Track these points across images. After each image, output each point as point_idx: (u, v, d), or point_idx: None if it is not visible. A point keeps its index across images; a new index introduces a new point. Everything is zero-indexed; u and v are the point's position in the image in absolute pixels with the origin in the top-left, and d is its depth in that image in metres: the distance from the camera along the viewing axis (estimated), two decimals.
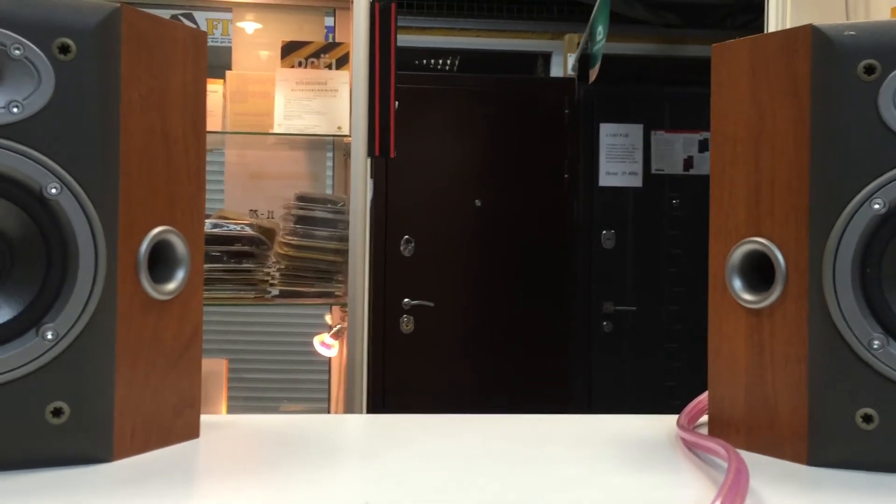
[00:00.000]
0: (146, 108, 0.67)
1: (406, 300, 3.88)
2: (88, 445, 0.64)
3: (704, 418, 0.81)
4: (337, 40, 2.27)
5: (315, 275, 2.07)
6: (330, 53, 2.16)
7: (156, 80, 0.68)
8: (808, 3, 2.23)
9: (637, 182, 4.09)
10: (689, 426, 0.76)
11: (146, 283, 0.67)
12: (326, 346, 2.15)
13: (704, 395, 0.81)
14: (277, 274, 2.08)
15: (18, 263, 0.63)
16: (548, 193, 4.03)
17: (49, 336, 0.62)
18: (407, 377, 3.85)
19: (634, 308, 4.07)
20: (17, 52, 0.61)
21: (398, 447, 0.72)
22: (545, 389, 3.96)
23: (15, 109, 0.61)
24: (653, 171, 4.09)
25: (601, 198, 4.06)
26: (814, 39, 0.67)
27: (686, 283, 4.04)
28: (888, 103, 0.64)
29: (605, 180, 4.08)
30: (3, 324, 0.62)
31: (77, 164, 0.63)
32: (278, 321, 2.48)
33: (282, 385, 2.53)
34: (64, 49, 0.62)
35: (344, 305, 2.09)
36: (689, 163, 4.12)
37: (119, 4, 0.65)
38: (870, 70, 0.64)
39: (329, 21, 2.37)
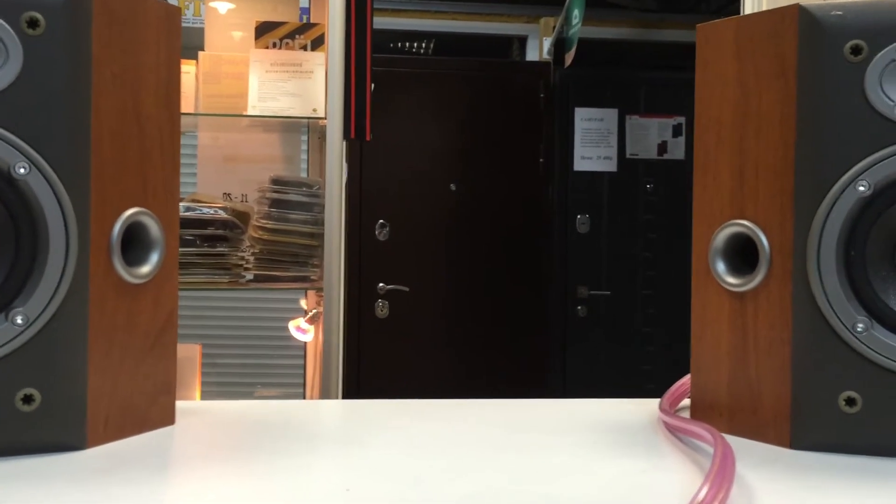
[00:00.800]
0: (118, 85, 0.65)
1: (381, 285, 3.87)
2: (60, 433, 0.62)
3: (686, 402, 0.81)
4: (312, 21, 2.24)
5: (290, 259, 2.05)
6: (305, 34, 2.13)
7: (128, 58, 0.66)
8: None
9: (612, 167, 4.09)
10: (671, 410, 0.75)
11: (119, 266, 0.65)
12: (302, 330, 2.13)
13: (686, 379, 0.81)
14: (252, 258, 2.05)
15: None
16: (523, 178, 4.02)
17: (19, 320, 0.60)
18: (382, 362, 3.84)
19: (609, 292, 4.08)
20: None
21: (378, 433, 0.71)
22: (520, 374, 3.97)
23: None
24: (627, 156, 4.09)
25: (576, 182, 4.05)
26: (800, 19, 0.66)
27: (660, 268, 4.06)
28: (874, 84, 0.63)
29: (579, 165, 4.08)
30: None
31: (46, 143, 0.61)
32: (252, 306, 2.46)
33: (256, 370, 2.51)
34: (32, 23, 0.60)
35: (319, 290, 2.07)
36: (663, 147, 4.13)
37: None
38: (856, 51, 0.63)
39: (304, 2, 2.34)
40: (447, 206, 3.93)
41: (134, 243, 0.68)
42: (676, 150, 4.12)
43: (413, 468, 0.60)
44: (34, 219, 0.61)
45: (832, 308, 0.64)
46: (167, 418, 0.71)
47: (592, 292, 4.07)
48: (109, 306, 0.65)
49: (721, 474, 0.51)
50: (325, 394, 2.00)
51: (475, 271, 3.95)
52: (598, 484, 0.58)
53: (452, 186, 3.95)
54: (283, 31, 2.13)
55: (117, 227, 0.65)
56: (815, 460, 0.64)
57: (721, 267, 0.71)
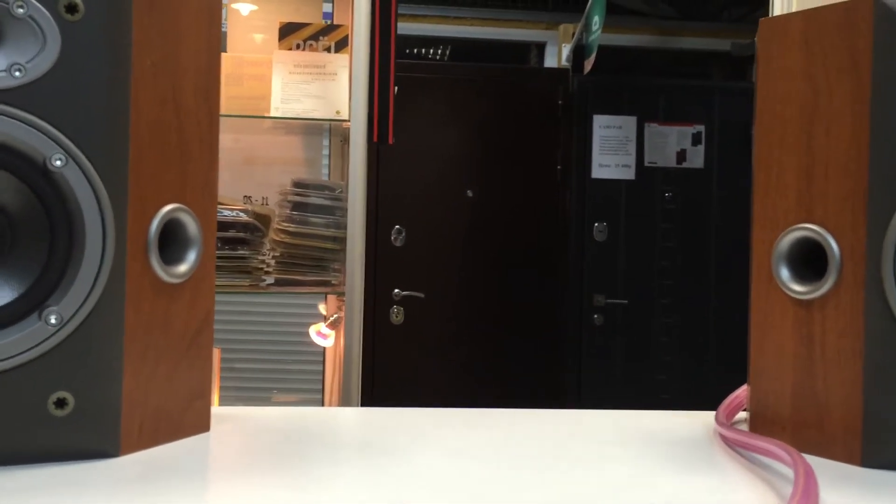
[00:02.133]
0: (158, 75, 0.62)
1: (396, 291, 3.84)
2: (94, 439, 0.59)
3: (741, 414, 0.77)
4: (335, 23, 2.22)
5: (311, 263, 2.02)
6: (329, 36, 2.10)
7: (168, 46, 0.63)
8: None
9: (630, 175, 4.05)
10: (727, 423, 0.71)
11: (156, 264, 0.62)
12: (323, 335, 2.10)
13: (741, 390, 0.77)
14: (273, 261, 2.02)
15: (20, 241, 0.58)
16: (540, 185, 3.99)
17: (53, 320, 0.57)
18: (396, 368, 3.81)
19: (626, 301, 4.04)
20: (21, 10, 0.56)
21: (422, 443, 0.67)
22: (535, 382, 3.93)
23: (17, 73, 0.56)
24: (646, 164, 4.05)
25: (594, 190, 4.02)
26: (875, 12, 0.62)
27: (677, 277, 4.02)
28: None
29: (597, 172, 4.04)
30: (4, 306, 0.56)
31: (84, 134, 0.58)
32: (271, 310, 2.43)
33: (273, 375, 2.48)
34: (71, 8, 0.57)
35: (340, 294, 2.04)
36: (682, 156, 4.08)
37: None
38: None
39: (327, 5, 2.31)
40: (464, 213, 3.90)
41: (171, 241, 0.65)
42: (696, 159, 4.08)
43: (467, 481, 0.57)
44: (70, 213, 0.58)
45: None
46: (202, 424, 0.68)
47: (609, 301, 4.03)
48: (146, 306, 0.62)
49: (806, 496, 0.48)
50: (345, 399, 1.97)
51: (491, 278, 3.92)
52: (667, 501, 0.54)
53: (469, 193, 3.92)
54: (306, 32, 2.11)
55: (155, 224, 0.62)
56: (888, 479, 0.60)
57: (785, 273, 0.68)
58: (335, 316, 2.10)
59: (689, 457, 0.65)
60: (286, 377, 2.45)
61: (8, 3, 0.56)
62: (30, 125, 0.56)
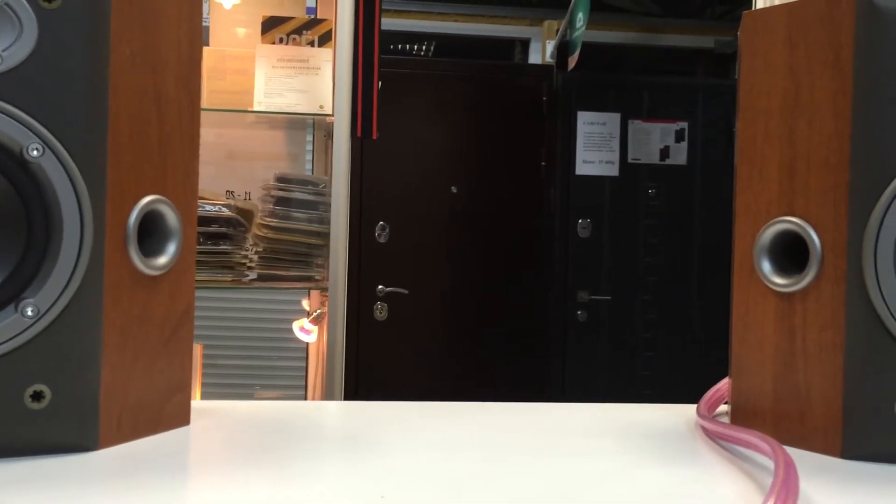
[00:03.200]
0: (137, 65, 0.62)
1: (380, 287, 3.83)
2: (72, 432, 0.58)
3: (723, 407, 0.77)
4: (319, 17, 2.21)
5: (294, 258, 2.01)
6: (312, 30, 2.09)
7: (148, 35, 0.63)
8: None
9: (614, 171, 4.06)
10: (709, 416, 0.72)
11: (135, 256, 0.62)
12: (306, 331, 2.09)
13: (723, 383, 0.77)
14: (255, 256, 2.01)
15: None
16: (524, 181, 3.99)
17: (29, 312, 0.56)
18: (380, 364, 3.81)
19: (609, 297, 4.05)
20: None
21: (404, 436, 0.67)
22: (519, 377, 3.94)
23: None
24: (629, 161, 4.06)
25: (578, 186, 4.03)
26: (858, 6, 0.63)
27: (661, 273, 4.04)
28: None
29: (581, 169, 4.05)
30: None
31: (61, 124, 0.57)
32: (253, 306, 2.42)
33: (255, 371, 2.47)
34: None
35: (324, 290, 2.03)
36: (665, 152, 4.10)
37: None
38: None
39: (310, 2, 2.30)
40: (448, 209, 3.90)
41: (150, 233, 0.64)
42: (679, 156, 4.09)
43: (447, 473, 0.57)
44: (47, 204, 0.57)
45: (889, 310, 0.61)
46: (182, 418, 0.68)
47: (593, 297, 4.04)
48: (124, 298, 0.61)
49: (786, 487, 0.48)
50: (328, 395, 1.96)
51: (475, 274, 3.92)
52: (647, 492, 0.54)
53: (453, 189, 3.92)
54: (290, 26, 2.09)
55: (134, 215, 0.62)
56: (868, 471, 0.61)
57: (767, 266, 0.68)
58: (318, 312, 2.09)
59: (670, 449, 0.66)
60: (268, 373, 2.44)
61: None
62: (6, 114, 0.55)
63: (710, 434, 0.68)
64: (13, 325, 0.56)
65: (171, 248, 0.65)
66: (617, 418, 0.76)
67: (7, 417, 0.56)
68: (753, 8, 2.38)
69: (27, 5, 0.56)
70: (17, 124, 0.56)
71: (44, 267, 0.57)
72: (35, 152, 0.56)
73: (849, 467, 0.62)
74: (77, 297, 0.58)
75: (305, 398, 2.35)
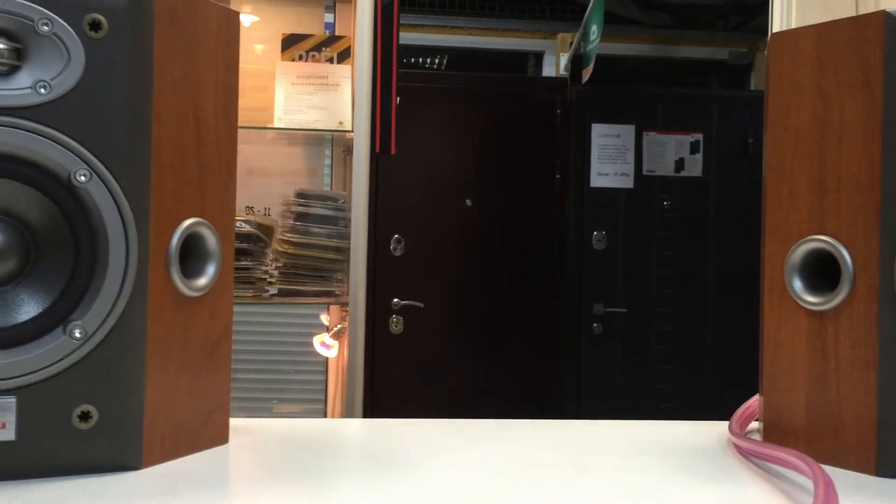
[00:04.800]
0: (178, 91, 0.63)
1: (395, 300, 3.84)
2: (117, 452, 0.59)
3: (753, 424, 0.78)
4: (337, 34, 2.23)
5: (314, 273, 2.02)
6: (331, 47, 2.11)
7: (188, 62, 0.64)
8: (814, 1, 2.21)
9: (628, 183, 4.06)
10: (741, 433, 0.72)
11: (177, 278, 0.63)
12: (326, 346, 2.10)
13: (753, 401, 0.77)
14: (276, 272, 2.03)
15: (44, 256, 0.58)
16: (539, 194, 4.00)
17: (77, 334, 0.57)
18: (395, 378, 3.81)
19: (625, 310, 4.05)
20: (46, 27, 0.57)
21: (438, 454, 0.68)
22: (535, 390, 3.93)
23: (42, 90, 0.56)
24: (644, 173, 4.06)
25: (592, 199, 4.03)
26: (886, 26, 0.63)
27: (676, 285, 4.03)
28: None
29: (596, 181, 4.05)
30: (29, 321, 0.57)
31: (107, 150, 0.58)
32: (272, 321, 2.43)
33: (275, 385, 2.48)
34: (95, 25, 0.58)
35: (343, 305, 2.04)
36: (680, 164, 4.10)
37: None
38: None
39: (328, 15, 2.32)
40: (463, 222, 3.91)
41: (190, 254, 0.65)
42: (694, 167, 4.09)
43: (485, 492, 0.57)
44: (93, 228, 0.58)
45: None
46: (221, 437, 0.69)
47: (608, 309, 4.03)
48: (167, 319, 0.62)
49: None
50: (348, 410, 1.97)
51: (490, 287, 3.92)
52: None
53: (468, 202, 3.92)
54: (309, 43, 2.11)
55: (176, 238, 0.63)
56: None
57: (798, 285, 0.68)
58: (339, 326, 2.10)
59: (705, 467, 0.66)
60: (288, 387, 2.45)
61: (33, 21, 0.57)
62: (55, 141, 0.57)
63: (743, 452, 0.69)
64: (62, 346, 0.57)
65: (211, 270, 0.66)
66: (648, 436, 0.77)
67: (56, 437, 0.57)
68: (770, 21, 2.39)
69: (74, 35, 0.57)
70: (65, 151, 0.57)
71: (90, 290, 0.58)
72: (82, 178, 0.57)
73: (884, 485, 0.62)
74: (122, 318, 0.59)
75: (325, 413, 2.36)
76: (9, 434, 0.56)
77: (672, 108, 4.05)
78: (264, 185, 2.28)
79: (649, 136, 4.04)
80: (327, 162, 2.32)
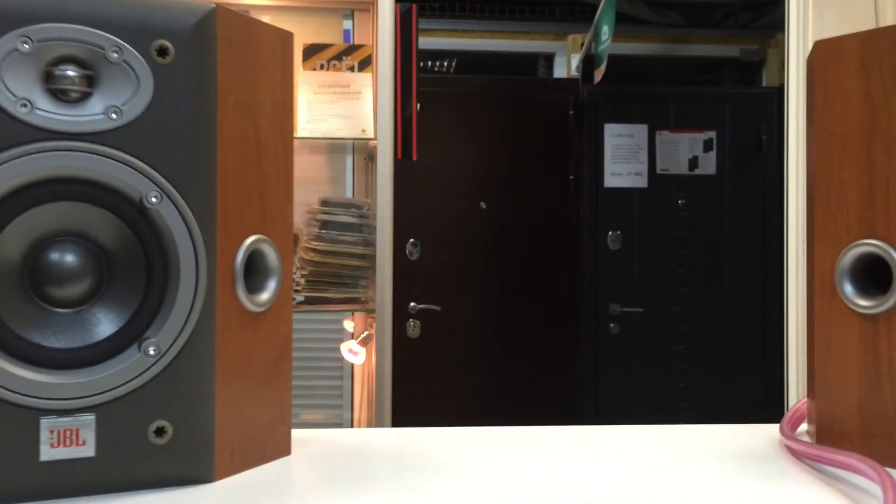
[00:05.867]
0: (240, 112, 0.65)
1: (412, 304, 3.85)
2: (191, 465, 0.61)
3: (802, 427, 0.79)
4: (356, 42, 2.24)
5: (340, 280, 2.04)
6: (352, 56, 2.13)
7: (248, 83, 0.66)
8: (831, 1, 2.22)
9: (642, 182, 4.07)
10: (792, 435, 0.73)
11: (242, 294, 0.64)
12: (354, 353, 2.11)
13: (801, 403, 0.78)
14: (302, 280, 2.04)
15: (117, 276, 0.60)
16: (553, 195, 4.00)
17: (151, 351, 0.59)
18: (414, 381, 3.82)
19: (641, 309, 4.05)
20: (116, 55, 0.58)
21: (497, 462, 0.69)
22: (553, 391, 3.94)
23: (114, 115, 0.58)
24: (658, 172, 4.07)
25: (606, 199, 4.03)
26: None
27: (692, 284, 4.03)
28: None
29: (610, 181, 4.06)
30: (105, 339, 0.59)
31: (176, 172, 0.60)
32: (300, 327, 2.45)
33: (300, 392, 2.50)
34: (162, 51, 0.59)
35: (370, 311, 2.06)
36: (694, 163, 4.10)
37: (214, 5, 0.62)
38: None
39: (347, 24, 2.34)
40: (478, 225, 3.92)
41: (252, 271, 0.67)
42: (707, 165, 4.09)
43: (561, 496, 0.59)
44: (165, 248, 0.60)
45: None
46: (284, 448, 0.70)
47: (625, 309, 4.04)
48: (234, 335, 0.64)
49: None
50: (378, 416, 1.98)
51: (506, 289, 3.94)
52: None
53: (483, 205, 3.94)
54: (330, 52, 2.13)
55: (240, 256, 0.64)
56: None
57: (849, 288, 0.70)
58: (366, 333, 2.11)
59: (762, 470, 0.67)
60: (310, 393, 2.47)
61: (104, 49, 0.58)
62: (126, 165, 0.58)
63: (797, 454, 0.70)
64: (137, 364, 0.59)
65: (272, 285, 0.68)
66: (696, 440, 0.78)
67: (133, 453, 0.59)
68: (786, 16, 2.40)
69: (143, 61, 0.59)
70: (137, 174, 0.58)
71: (163, 308, 0.60)
72: (154, 199, 0.59)
73: None
74: (193, 335, 0.60)
75: (351, 420, 2.37)
76: (89, 451, 0.58)
77: (684, 107, 4.06)
78: None
79: (662, 136, 4.05)
80: (349, 169, 2.33)
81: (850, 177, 0.70)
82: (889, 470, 0.65)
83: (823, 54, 0.72)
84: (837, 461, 0.63)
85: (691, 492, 0.61)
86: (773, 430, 0.79)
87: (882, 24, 2.08)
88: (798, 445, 0.69)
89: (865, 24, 2.18)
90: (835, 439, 0.71)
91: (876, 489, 0.56)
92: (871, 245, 0.68)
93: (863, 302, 0.69)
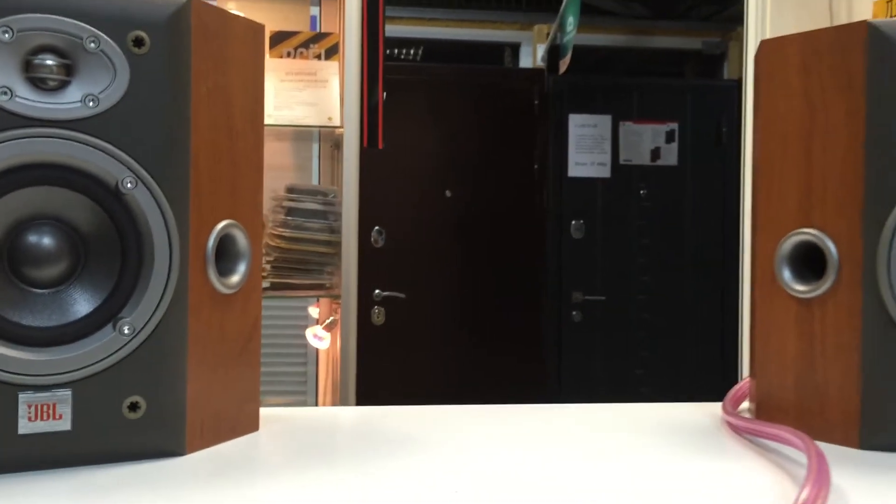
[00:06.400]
0: (213, 101, 0.67)
1: (377, 291, 3.88)
2: (164, 439, 0.64)
3: (744, 405, 0.83)
4: (323, 30, 2.26)
5: (306, 266, 2.06)
6: (319, 44, 2.15)
7: (220, 74, 0.68)
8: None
9: (605, 173, 4.12)
10: (734, 412, 0.78)
11: (214, 276, 0.67)
12: (319, 338, 2.14)
13: (743, 383, 0.83)
14: (268, 266, 2.06)
15: (93, 258, 0.63)
16: (518, 184, 4.05)
17: (126, 330, 0.62)
18: (379, 368, 3.84)
19: (603, 297, 4.11)
20: (93, 45, 0.61)
21: (461, 436, 0.73)
22: (516, 378, 3.99)
23: (91, 103, 0.61)
24: (621, 162, 4.12)
25: (570, 188, 4.09)
26: (869, 35, 0.69)
27: (654, 273, 4.10)
28: None
29: (574, 171, 4.11)
30: (82, 319, 0.61)
31: (151, 159, 0.62)
32: (265, 314, 2.47)
33: (264, 378, 2.52)
34: (138, 42, 0.62)
35: (335, 297, 2.09)
36: (656, 153, 4.16)
37: None
38: None
39: (314, 10, 2.36)
40: (443, 213, 3.95)
41: (223, 254, 0.70)
42: (669, 156, 4.16)
43: (513, 469, 0.63)
44: (139, 232, 0.62)
45: None
46: (252, 425, 0.73)
47: (587, 297, 4.10)
48: (205, 316, 0.67)
49: (819, 477, 0.54)
50: (342, 400, 2.01)
51: (471, 277, 3.97)
52: (692, 484, 0.60)
53: (448, 193, 3.97)
54: (297, 40, 2.15)
55: (212, 239, 0.67)
56: (885, 459, 0.67)
57: (787, 274, 0.74)
58: (331, 318, 2.14)
59: (702, 444, 0.72)
60: (275, 379, 2.49)
61: (81, 39, 0.60)
62: (103, 151, 0.61)
63: (737, 430, 0.74)
64: (112, 342, 0.61)
65: (242, 268, 0.71)
66: (644, 417, 0.82)
67: (108, 427, 0.62)
68: (745, 13, 2.45)
69: (119, 51, 0.61)
70: (113, 160, 0.61)
71: (137, 289, 0.62)
72: (129, 185, 0.61)
73: (867, 457, 0.68)
74: (167, 315, 0.63)
75: (316, 404, 2.40)
76: (65, 424, 0.60)
77: (647, 98, 4.12)
78: None
79: (625, 126, 4.11)
80: (315, 157, 2.35)
81: (789, 170, 0.74)
82: (818, 442, 0.69)
83: (768, 53, 0.77)
84: (770, 434, 0.67)
85: (633, 464, 0.65)
86: (716, 407, 0.83)
87: (836, 18, 2.14)
88: (736, 421, 0.73)
89: (822, 18, 2.25)
90: (772, 415, 0.75)
91: (804, 459, 0.61)
92: (808, 234, 0.73)
93: (799, 287, 0.73)
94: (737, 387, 0.83)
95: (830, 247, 0.71)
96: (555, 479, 0.61)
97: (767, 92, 0.76)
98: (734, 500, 0.57)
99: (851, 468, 0.65)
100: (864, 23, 0.69)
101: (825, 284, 0.71)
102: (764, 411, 0.77)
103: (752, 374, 0.79)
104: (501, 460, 0.65)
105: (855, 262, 0.70)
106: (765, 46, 0.77)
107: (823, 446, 0.70)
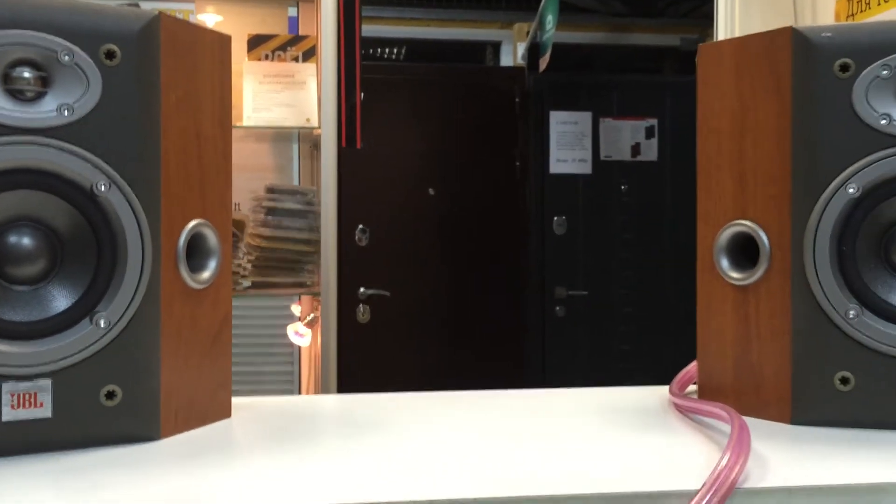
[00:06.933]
0: (182, 109, 0.72)
1: (362, 290, 3.91)
2: (139, 425, 0.69)
3: (692, 387, 0.88)
4: (301, 33, 2.30)
5: (286, 265, 2.11)
6: (296, 46, 2.19)
7: (189, 83, 0.73)
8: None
9: (587, 169, 4.17)
10: (680, 393, 0.83)
11: (185, 272, 0.72)
12: (300, 335, 2.19)
13: (691, 366, 0.88)
14: (249, 265, 2.11)
15: (70, 257, 0.67)
16: (500, 181, 4.09)
17: (102, 323, 0.66)
18: (364, 365, 3.89)
19: (586, 293, 4.16)
20: (67, 57, 0.65)
21: (427, 422, 0.78)
22: (501, 374, 4.03)
23: (66, 112, 0.65)
24: (602, 158, 4.17)
25: (552, 185, 4.13)
26: (794, 40, 0.74)
27: (636, 268, 4.15)
28: (861, 98, 0.71)
29: (555, 167, 4.15)
30: (60, 313, 0.66)
31: (123, 163, 0.67)
32: (242, 313, 2.50)
33: (246, 377, 2.56)
34: (110, 55, 0.66)
35: (315, 294, 2.13)
36: (636, 149, 4.22)
37: (158, 12, 0.69)
38: (845, 68, 0.72)
39: (292, 11, 2.40)
40: (426, 211, 3.99)
41: (194, 252, 0.74)
42: (649, 152, 4.21)
43: (466, 455, 0.68)
44: (113, 232, 0.67)
45: (827, 298, 0.72)
46: (224, 412, 0.78)
47: (570, 293, 4.14)
48: (177, 310, 0.71)
49: (739, 444, 0.59)
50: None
51: (455, 274, 4.01)
52: (629, 456, 0.65)
53: (431, 191, 4.01)
54: (274, 43, 2.19)
55: (183, 238, 0.72)
56: (814, 433, 0.72)
57: (725, 263, 0.79)
58: (312, 316, 2.19)
59: (646, 423, 0.77)
60: (256, 378, 2.53)
61: (56, 52, 0.65)
62: (78, 156, 0.65)
63: (680, 409, 0.80)
64: (89, 335, 0.66)
65: (213, 265, 0.75)
66: (597, 400, 0.87)
67: (86, 414, 0.66)
68: (715, 12, 2.50)
69: (92, 63, 0.66)
70: (87, 164, 0.66)
71: (112, 285, 0.67)
72: (103, 188, 0.66)
73: (797, 431, 0.73)
74: (140, 309, 0.68)
75: None
76: (46, 412, 0.65)
77: (627, 95, 4.17)
78: (234, 181, 2.35)
79: (606, 123, 4.16)
80: (295, 157, 2.40)
81: (726, 165, 0.79)
82: (750, 418, 0.75)
83: (706, 57, 0.82)
84: (706, 411, 0.73)
85: (578, 443, 0.70)
86: (664, 390, 0.88)
87: (800, 18, 2.20)
88: (680, 401, 0.79)
89: (788, 17, 2.30)
90: (714, 395, 0.81)
91: None
92: (743, 225, 0.78)
93: (735, 275, 0.78)
94: (685, 370, 0.88)
95: (763, 237, 0.76)
96: (499, 459, 0.65)
97: (706, 93, 0.81)
98: (666, 469, 0.62)
99: (782, 441, 0.70)
100: (789, 29, 0.74)
101: (758, 272, 0.77)
102: (706, 391, 0.82)
103: (698, 357, 0.84)
104: (453, 443, 0.70)
105: (784, 252, 0.75)
106: (703, 50, 0.82)
107: (758, 422, 0.75)
